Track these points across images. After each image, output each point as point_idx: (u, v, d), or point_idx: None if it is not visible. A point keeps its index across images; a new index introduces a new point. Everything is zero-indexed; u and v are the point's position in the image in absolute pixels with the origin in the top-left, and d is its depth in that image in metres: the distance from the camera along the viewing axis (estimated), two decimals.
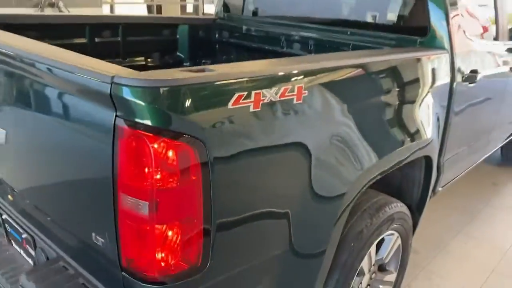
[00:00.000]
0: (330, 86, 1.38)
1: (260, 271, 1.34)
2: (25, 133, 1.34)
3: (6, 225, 1.70)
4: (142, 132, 0.97)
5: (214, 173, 1.04)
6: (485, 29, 2.57)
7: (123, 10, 13.70)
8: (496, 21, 2.62)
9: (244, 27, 2.80)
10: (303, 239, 1.39)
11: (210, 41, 2.94)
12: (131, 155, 0.99)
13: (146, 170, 0.98)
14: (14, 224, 1.61)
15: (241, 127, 1.10)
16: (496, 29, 2.62)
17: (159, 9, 11.03)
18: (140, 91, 0.95)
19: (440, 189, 2.44)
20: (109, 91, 0.95)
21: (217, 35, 2.94)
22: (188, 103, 1.00)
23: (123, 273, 1.10)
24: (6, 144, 1.39)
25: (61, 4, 7.15)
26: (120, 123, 0.98)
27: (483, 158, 3.05)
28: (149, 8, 11.68)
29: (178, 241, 1.06)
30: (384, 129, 1.65)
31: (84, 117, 1.08)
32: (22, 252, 1.65)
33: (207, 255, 1.11)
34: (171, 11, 11.53)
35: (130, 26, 2.60)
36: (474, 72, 2.25)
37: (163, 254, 1.05)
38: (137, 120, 0.96)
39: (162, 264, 1.06)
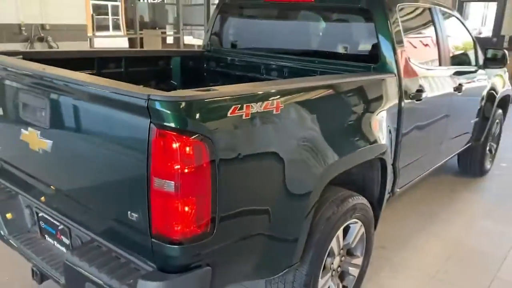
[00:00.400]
0: (300, 101, 1.84)
1: (250, 243, 1.74)
2: (70, 141, 1.74)
3: (40, 222, 2.06)
4: (169, 132, 1.39)
5: (219, 163, 1.47)
6: (429, 57, 3.10)
7: (105, 42, 14.13)
8: (438, 50, 3.16)
9: (229, 58, 3.28)
10: (281, 224, 1.81)
11: (199, 70, 3.40)
12: (161, 149, 1.40)
13: (172, 158, 1.39)
14: (50, 219, 1.97)
15: (237, 129, 1.54)
16: (438, 57, 3.16)
17: (141, 41, 11.49)
18: (167, 104, 1.38)
19: (398, 190, 2.89)
20: (146, 105, 1.38)
21: (205, 65, 3.41)
22: (199, 112, 1.43)
23: (152, 239, 1.50)
24: (52, 152, 1.78)
25: (50, 38, 7.54)
26: (153, 126, 1.40)
27: (436, 166, 3.54)
28: (131, 41, 12.14)
29: (193, 213, 1.46)
30: (343, 135, 2.11)
31: (125, 125, 1.50)
32: (55, 243, 2.01)
33: (214, 225, 1.52)
34: (152, 42, 12.01)
35: (131, 59, 3.05)
36: (420, 91, 2.77)
37: (182, 223, 1.46)
38: (165, 123, 1.38)
39: (182, 230, 1.46)
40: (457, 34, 3.71)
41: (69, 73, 1.73)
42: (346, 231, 2.30)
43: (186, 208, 1.46)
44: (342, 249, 2.30)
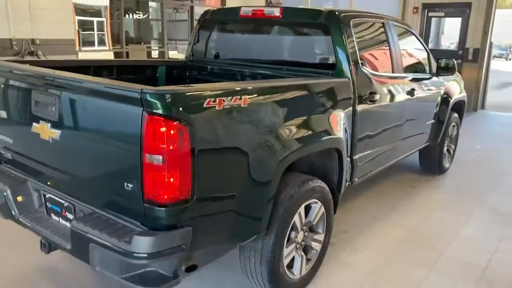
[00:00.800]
0: (263, 98, 2.26)
1: (223, 215, 2.14)
2: (76, 130, 2.13)
3: (47, 203, 2.43)
4: (157, 117, 1.79)
5: (197, 142, 1.87)
6: (382, 65, 3.58)
7: (91, 57, 14.46)
8: (391, 59, 3.64)
9: (209, 67, 3.71)
10: (247, 204, 2.21)
11: (183, 78, 3.82)
12: (151, 131, 1.80)
13: (160, 138, 1.79)
14: (56, 199, 2.34)
15: (211, 117, 1.95)
16: (391, 65, 3.64)
17: (127, 55, 11.87)
18: (156, 96, 1.78)
19: (356, 179, 3.33)
20: (139, 97, 1.79)
21: (187, 73, 3.83)
22: (181, 102, 1.84)
23: (144, 204, 1.89)
24: (60, 139, 2.17)
25: (40, 52, 7.88)
26: (145, 114, 1.80)
27: (393, 162, 4.00)
28: (117, 55, 12.51)
29: (177, 182, 1.86)
30: (300, 129, 2.52)
31: (123, 113, 1.89)
32: (60, 219, 2.38)
33: (193, 193, 1.92)
34: (137, 56, 12.40)
35: (122, 67, 3.45)
36: (373, 94, 3.23)
37: (168, 190, 1.86)
38: (154, 111, 1.79)
39: (168, 195, 1.86)
40: (410, 46, 4.21)
41: (79, 75, 2.13)
42: (308, 210, 2.71)
43: (171, 179, 1.85)
44: (305, 225, 2.71)
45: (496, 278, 3.02)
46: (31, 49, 7.74)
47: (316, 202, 2.74)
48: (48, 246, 2.37)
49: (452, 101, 4.80)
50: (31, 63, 2.73)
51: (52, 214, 2.44)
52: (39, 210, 2.50)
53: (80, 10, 11.76)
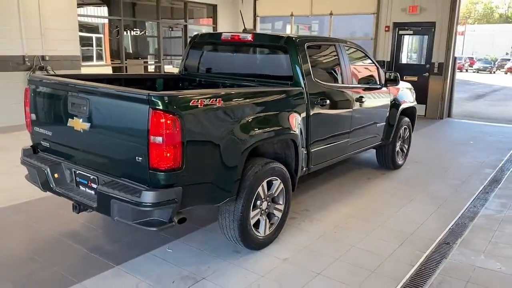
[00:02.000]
0: (232, 100, 3.21)
1: (204, 184, 3.06)
2: (101, 122, 3.05)
3: (76, 177, 3.34)
4: (159, 112, 2.72)
5: (185, 128, 2.80)
6: (332, 77, 4.55)
7: (91, 71, 15.40)
8: (341, 72, 4.61)
9: (197, 79, 4.66)
10: (222, 182, 3.14)
11: (177, 88, 4.76)
12: (155, 121, 2.72)
13: (160, 125, 2.72)
14: (84, 173, 3.25)
15: (195, 112, 2.88)
16: (341, 77, 4.61)
17: (125, 69, 12.83)
18: (158, 97, 2.72)
19: (312, 166, 4.27)
20: (147, 98, 2.72)
21: (181, 84, 4.78)
22: (175, 102, 2.77)
23: (150, 171, 2.80)
24: (89, 130, 3.09)
25: (49, 67, 8.83)
26: (151, 109, 2.73)
27: (346, 155, 4.95)
28: (115, 69, 13.46)
29: (171, 155, 2.79)
30: (264, 123, 3.46)
31: (135, 109, 2.81)
32: (86, 189, 3.28)
33: (183, 164, 2.84)
34: (135, 71, 13.39)
35: (127, 80, 4.40)
36: (323, 99, 4.19)
37: (166, 160, 2.78)
38: (157, 107, 2.71)
39: (165, 164, 2.78)
40: (360, 62, 5.20)
41: (104, 84, 3.07)
42: (270, 185, 3.63)
43: (168, 154, 2.78)
44: (268, 196, 3.62)
45: (417, 240, 3.94)
46: (41, 65, 8.68)
47: (276, 179, 3.65)
48: (78, 208, 3.28)
49: (401, 107, 5.77)
50: (67, 76, 3.65)
51: (80, 186, 3.35)
52: (70, 183, 3.41)
53: (80, 26, 12.68)
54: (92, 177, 3.22)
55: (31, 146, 3.68)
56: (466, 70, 40.60)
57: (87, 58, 17.30)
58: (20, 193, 4.70)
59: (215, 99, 3.03)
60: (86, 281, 3.09)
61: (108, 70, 14.57)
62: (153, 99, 2.72)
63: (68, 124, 3.24)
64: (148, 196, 2.78)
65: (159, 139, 2.74)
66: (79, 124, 3.15)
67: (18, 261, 3.35)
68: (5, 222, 4.06)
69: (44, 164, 3.41)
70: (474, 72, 39.80)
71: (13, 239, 3.71)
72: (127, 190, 2.89)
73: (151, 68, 14.80)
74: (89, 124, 3.10)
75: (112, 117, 3.03)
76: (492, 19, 60.37)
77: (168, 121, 2.73)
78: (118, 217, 2.94)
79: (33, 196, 4.58)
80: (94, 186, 3.21)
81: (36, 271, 3.22)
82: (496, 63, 43.27)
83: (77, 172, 3.33)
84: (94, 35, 19.56)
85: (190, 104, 2.86)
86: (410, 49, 11.38)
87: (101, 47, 18.20)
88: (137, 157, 2.86)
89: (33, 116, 3.59)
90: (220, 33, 4.51)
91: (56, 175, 3.39)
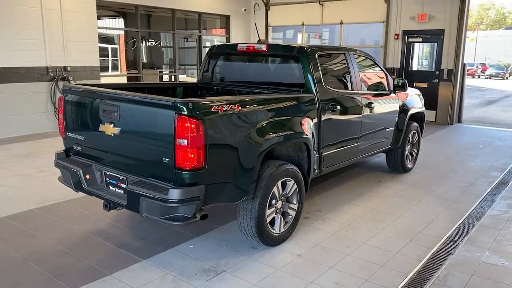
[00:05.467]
0: (249, 106, 3.48)
1: (224, 183, 3.32)
2: (131, 126, 3.34)
3: (107, 178, 3.63)
4: (184, 117, 3.00)
5: (207, 132, 3.07)
6: (342, 84, 4.80)
7: (107, 81, 15.86)
8: (350, 80, 4.87)
9: (214, 87, 4.96)
10: (240, 182, 3.40)
11: (196, 96, 5.06)
12: (180, 125, 3.00)
13: (185, 129, 3.00)
14: (114, 174, 3.54)
15: (216, 117, 3.16)
16: (350, 84, 4.86)
17: (142, 79, 13.23)
18: (183, 103, 3.00)
19: (324, 169, 4.51)
20: (173, 105, 3.01)
21: (199, 92, 5.08)
22: (198, 108, 3.05)
23: (175, 170, 3.08)
24: (120, 134, 3.38)
25: (70, 78, 9.22)
26: (177, 115, 3.01)
27: (356, 159, 5.18)
28: (130, 79, 13.86)
29: (195, 156, 3.06)
30: (279, 127, 3.73)
31: (163, 115, 3.10)
32: (116, 189, 3.57)
33: (205, 164, 3.11)
34: (150, 80, 13.76)
35: (150, 88, 4.71)
36: (334, 105, 4.44)
37: (190, 161, 3.05)
38: (182, 113, 2.99)
39: (190, 164, 3.06)
40: (369, 69, 5.44)
41: (133, 92, 3.37)
42: (284, 185, 3.88)
43: (192, 155, 3.05)
44: (282, 196, 3.87)
45: (425, 238, 4.15)
46: (63, 75, 9.10)
47: (290, 180, 3.91)
48: (109, 206, 3.57)
49: (409, 112, 5.99)
50: (96, 85, 3.97)
51: (110, 186, 3.64)
52: (100, 184, 3.71)
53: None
54: (121, 177, 3.51)
55: (63, 150, 4.00)
56: (479, 76, 40.45)
57: (103, 68, 17.77)
58: (49, 195, 5.03)
59: (233, 105, 3.31)
60: (116, 273, 3.36)
61: (123, 80, 15.03)
62: (178, 105, 3.00)
63: (99, 129, 3.54)
64: (174, 194, 3.05)
65: (184, 141, 3.02)
66: (110, 129, 3.45)
67: (54, 255, 3.64)
68: (39, 221, 4.37)
69: (76, 166, 3.71)
70: (486, 78, 39.61)
71: (47, 236, 4.01)
72: (155, 189, 3.17)
73: (165, 78, 15.21)
74: (120, 129, 3.39)
75: (140, 122, 3.32)
76: (504, 25, 60.13)
77: (192, 125, 3.01)
78: (147, 214, 3.22)
79: (61, 198, 4.91)
80: (123, 186, 3.50)
81: (70, 264, 3.50)
82: (509, 69, 43.03)
83: (107, 173, 3.62)
84: (109, 46, 20.11)
85: (212, 109, 3.14)
86: (420, 56, 11.57)
87: (116, 57, 18.74)
88: (164, 158, 3.14)
89: (66, 122, 3.91)
90: (236, 44, 4.81)
91: (87, 176, 3.69)
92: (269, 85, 4.58)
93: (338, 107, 4.51)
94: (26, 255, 3.63)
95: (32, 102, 8.79)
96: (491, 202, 5.16)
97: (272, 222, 3.82)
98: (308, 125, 4.08)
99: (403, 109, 5.90)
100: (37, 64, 8.72)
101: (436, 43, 10.81)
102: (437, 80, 10.74)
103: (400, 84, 5.61)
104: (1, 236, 3.99)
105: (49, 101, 9.04)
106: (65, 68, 9.16)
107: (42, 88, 8.90)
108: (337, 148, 4.67)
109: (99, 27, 10.52)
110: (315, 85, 4.24)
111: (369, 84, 5.39)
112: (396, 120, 5.81)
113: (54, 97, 9.01)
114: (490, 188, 5.73)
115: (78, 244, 3.86)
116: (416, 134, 6.40)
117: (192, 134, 3.01)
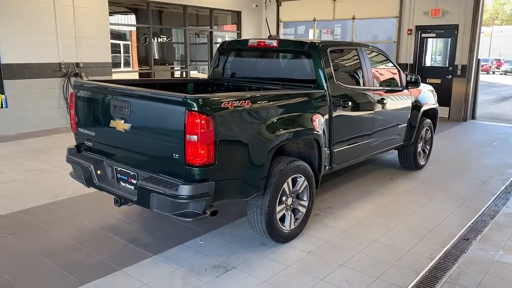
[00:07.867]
0: (259, 102, 3.45)
1: (234, 179, 3.31)
2: (141, 122, 3.35)
3: (118, 174, 3.65)
4: (194, 113, 2.99)
5: (217, 128, 3.06)
6: (354, 80, 4.75)
7: (119, 77, 15.94)
8: (362, 75, 4.81)
9: (225, 83, 4.94)
10: (250, 178, 3.38)
11: (206, 91, 5.05)
12: (190, 121, 3.00)
13: (195, 125, 2.99)
14: (124, 170, 3.55)
15: (226, 113, 3.14)
16: (362, 80, 4.81)
17: (153, 75, 13.28)
18: (193, 99, 2.99)
19: (335, 166, 4.47)
20: (183, 100, 3.00)
21: (209, 88, 5.07)
22: (208, 104, 3.04)
23: (186, 166, 3.08)
24: (130, 130, 3.39)
25: (82, 74, 9.28)
26: (187, 110, 3.00)
27: (368, 156, 5.13)
28: (142, 75, 13.92)
29: (205, 152, 3.05)
30: (290, 123, 3.70)
31: (173, 110, 3.09)
32: (127, 184, 3.59)
33: (215, 160, 3.10)
34: (162, 76, 13.81)
35: (161, 84, 4.71)
36: (345, 101, 4.39)
37: (200, 157, 3.05)
38: (192, 109, 2.99)
39: (200, 160, 3.05)
40: (381, 65, 5.38)
41: (144, 88, 3.37)
42: (294, 182, 3.86)
43: (202, 151, 3.04)
44: (292, 192, 3.85)
45: (437, 236, 4.10)
46: (75, 71, 9.17)
47: (300, 177, 3.88)
48: (120, 202, 3.58)
49: (422, 109, 5.91)
50: (108, 81, 3.98)
51: (121, 182, 3.65)
52: (111, 179, 3.73)
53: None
54: (132, 173, 3.51)
55: (75, 146, 4.02)
56: (493, 72, 39.78)
57: (115, 64, 17.88)
58: (61, 190, 5.08)
59: (244, 101, 3.29)
60: (126, 268, 3.38)
61: (135, 76, 15.10)
62: (189, 101, 2.99)
63: (110, 125, 3.55)
64: (185, 189, 3.05)
65: (194, 137, 3.01)
66: (121, 124, 3.45)
67: (66, 250, 3.68)
68: (52, 216, 4.42)
69: (88, 162, 3.73)
70: (502, 74, 38.95)
71: (59, 231, 4.04)
72: (165, 184, 3.17)
73: (177, 74, 15.25)
74: (130, 124, 3.40)
75: (151, 118, 3.32)
76: None
77: (202, 121, 3.00)
78: (157, 209, 3.22)
79: (74, 193, 4.95)
80: (134, 181, 3.51)
81: (82, 258, 3.53)
82: None
83: (118, 169, 3.63)
84: (121, 42, 20.20)
85: (222, 105, 3.12)
86: (433, 51, 11.41)
87: (128, 53, 18.81)
88: (174, 154, 3.13)
89: (78, 118, 3.93)
90: (247, 40, 4.78)
91: (98, 172, 3.71)
92: (280, 81, 4.55)
93: (350, 103, 4.46)
94: (39, 249, 3.67)
95: (44, 98, 8.87)
96: (505, 200, 5.08)
97: (282, 219, 3.80)
98: (319, 121, 4.05)
99: (416, 105, 5.82)
100: (50, 60, 8.79)
101: (450, 39, 10.65)
102: (451, 76, 10.59)
103: (413, 80, 5.54)
104: (14, 230, 4.03)
105: (61, 97, 9.12)
106: (77, 64, 9.23)
107: (54, 84, 8.98)
108: (349, 145, 4.63)
109: (111, 24, 10.57)
110: (326, 81, 4.20)
111: (381, 80, 5.32)
112: (409, 116, 5.74)
113: (66, 93, 9.09)
114: (505, 186, 5.63)
115: (90, 239, 3.88)
116: (429, 131, 6.31)
117: (202, 130, 3.00)
